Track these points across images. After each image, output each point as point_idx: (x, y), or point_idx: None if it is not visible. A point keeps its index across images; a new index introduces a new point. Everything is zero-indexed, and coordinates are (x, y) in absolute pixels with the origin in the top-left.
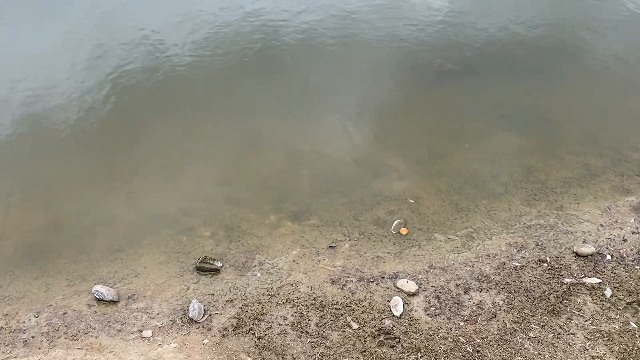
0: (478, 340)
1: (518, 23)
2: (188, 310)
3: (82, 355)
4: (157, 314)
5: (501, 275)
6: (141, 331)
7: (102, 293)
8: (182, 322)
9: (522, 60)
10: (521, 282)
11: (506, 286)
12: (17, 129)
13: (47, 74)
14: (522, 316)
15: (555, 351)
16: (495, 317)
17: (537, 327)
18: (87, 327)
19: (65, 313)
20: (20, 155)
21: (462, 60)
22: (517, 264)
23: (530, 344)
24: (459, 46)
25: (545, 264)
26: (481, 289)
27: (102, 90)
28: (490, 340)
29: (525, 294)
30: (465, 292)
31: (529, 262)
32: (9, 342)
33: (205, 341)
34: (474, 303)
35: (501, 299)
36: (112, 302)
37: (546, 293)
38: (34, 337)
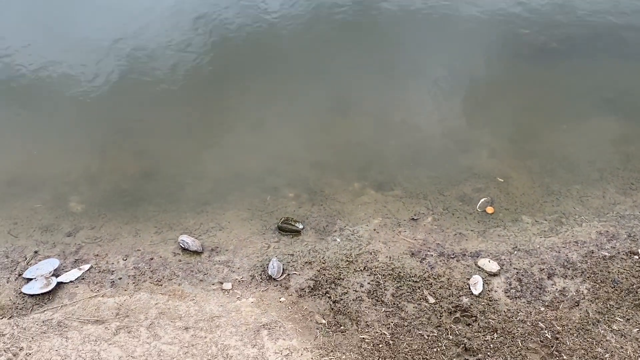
0: (558, 327)
1: (631, 3)
2: (267, 267)
3: (165, 300)
4: (238, 268)
5: (588, 263)
6: (222, 283)
7: (187, 243)
8: (261, 278)
9: (632, 44)
10: (609, 272)
11: (592, 275)
12: (118, 79)
13: (149, 28)
14: (607, 307)
15: (639, 346)
16: (578, 305)
17: (621, 320)
18: (171, 274)
19: (151, 259)
20: (119, 104)
21: (568, 40)
22: (606, 254)
23: (612, 337)
24: (566, 25)
25: (636, 257)
26: (566, 276)
27: (199, 46)
28: (570, 329)
29: (612, 285)
30: (548, 277)
31: (619, 252)
32: (97, 281)
33: (282, 299)
34: (556, 289)
35: (586, 288)
36: (196, 253)
37: (634, 286)
38: (121, 278)
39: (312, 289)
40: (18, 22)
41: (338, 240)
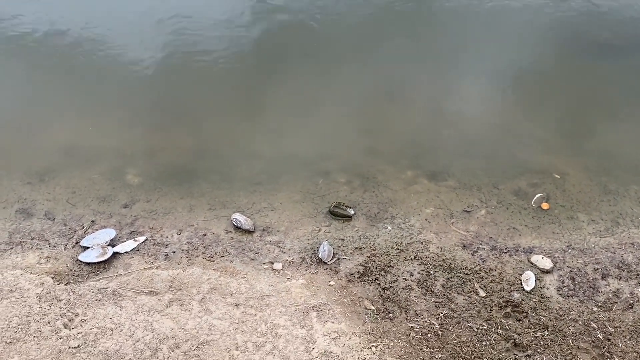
0: (610, 329)
1: None
2: (318, 250)
3: (216, 276)
4: (289, 250)
5: None
6: (272, 263)
7: (240, 221)
8: (311, 261)
9: None
10: None
11: None
12: (175, 55)
13: (206, 6)
14: None
15: None
16: (632, 307)
17: None
18: (223, 250)
19: (204, 235)
20: (177, 81)
21: (632, 37)
22: None
23: None
24: (631, 22)
25: None
26: (620, 277)
27: (252, 26)
28: (623, 331)
29: None
30: (602, 278)
31: None
32: (152, 253)
33: (332, 283)
34: (610, 290)
35: None
36: (248, 232)
37: None
38: (174, 252)
39: (361, 274)
40: None
41: (389, 227)
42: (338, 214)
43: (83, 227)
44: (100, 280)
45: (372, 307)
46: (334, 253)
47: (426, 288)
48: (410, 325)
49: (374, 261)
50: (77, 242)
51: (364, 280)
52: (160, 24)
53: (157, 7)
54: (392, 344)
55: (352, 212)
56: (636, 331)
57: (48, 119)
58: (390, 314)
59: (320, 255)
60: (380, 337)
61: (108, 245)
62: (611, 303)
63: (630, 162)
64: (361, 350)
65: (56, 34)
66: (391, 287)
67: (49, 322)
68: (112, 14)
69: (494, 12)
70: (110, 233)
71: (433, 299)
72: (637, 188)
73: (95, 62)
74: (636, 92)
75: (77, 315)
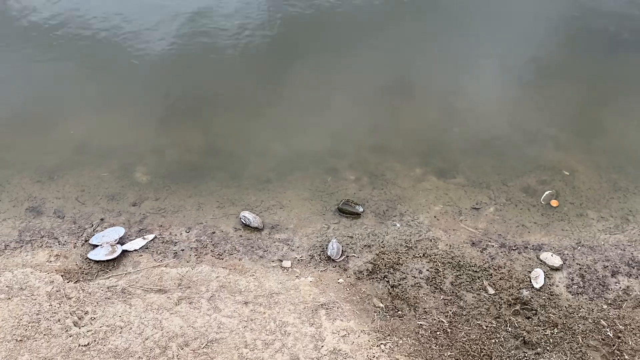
0: (620, 326)
1: None
2: (327, 248)
3: (225, 274)
4: (297, 247)
5: None
6: (281, 261)
7: (248, 219)
8: (319, 258)
9: None
10: None
11: None
12: (182, 55)
13: (214, 4)
14: None
15: None
16: None
17: None
18: (232, 248)
19: (213, 232)
20: (187, 78)
21: None
22: None
23: None
24: (638, 17)
25: None
26: (630, 275)
27: (267, 23)
28: (633, 328)
29: None
30: (612, 275)
31: None
32: (161, 251)
33: (340, 280)
34: (620, 287)
35: None
36: (257, 229)
37: None
38: (183, 250)
39: (370, 272)
40: None
41: (398, 225)
42: (347, 212)
43: (92, 225)
44: (110, 279)
45: (381, 305)
46: (342, 251)
47: (435, 286)
48: (419, 322)
49: (383, 259)
50: (86, 240)
51: (373, 278)
52: (172, 21)
53: (168, 3)
54: (401, 341)
55: (361, 209)
56: None
57: (56, 116)
58: (399, 312)
59: (329, 253)
60: (389, 335)
61: (117, 243)
62: (621, 300)
63: None
64: (370, 348)
65: (68, 29)
66: (400, 284)
67: (58, 320)
68: (125, 8)
69: (505, 7)
70: (119, 231)
71: (442, 297)
72: None
73: (105, 59)
74: None
75: (86, 313)
